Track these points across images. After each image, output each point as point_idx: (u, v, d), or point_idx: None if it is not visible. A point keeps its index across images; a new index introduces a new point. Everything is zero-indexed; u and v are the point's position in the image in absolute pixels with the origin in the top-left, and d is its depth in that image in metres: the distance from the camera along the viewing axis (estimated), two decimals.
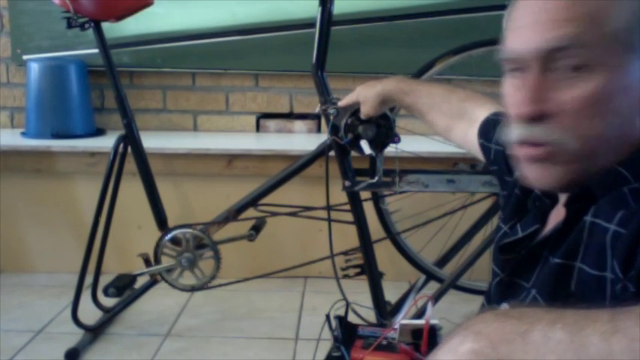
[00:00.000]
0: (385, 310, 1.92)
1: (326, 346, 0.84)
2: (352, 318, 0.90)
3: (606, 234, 0.67)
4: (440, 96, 1.27)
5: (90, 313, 2.03)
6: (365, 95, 1.51)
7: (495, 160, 1.05)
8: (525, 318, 0.55)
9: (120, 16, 1.92)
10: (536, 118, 0.72)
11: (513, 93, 0.76)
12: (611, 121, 0.71)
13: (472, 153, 1.19)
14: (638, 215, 0.65)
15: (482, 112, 1.15)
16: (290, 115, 2.69)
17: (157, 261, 1.96)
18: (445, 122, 1.25)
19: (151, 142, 2.20)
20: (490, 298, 0.88)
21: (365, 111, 1.55)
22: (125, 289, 1.96)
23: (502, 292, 0.84)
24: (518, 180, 0.90)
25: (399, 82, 1.40)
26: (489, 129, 1.08)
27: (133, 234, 2.41)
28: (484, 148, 1.10)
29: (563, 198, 0.79)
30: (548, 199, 0.83)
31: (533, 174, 0.76)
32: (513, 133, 0.76)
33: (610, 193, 0.71)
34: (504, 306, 0.78)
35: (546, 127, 0.72)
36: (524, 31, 0.73)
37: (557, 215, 0.81)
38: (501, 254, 0.86)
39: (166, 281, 1.98)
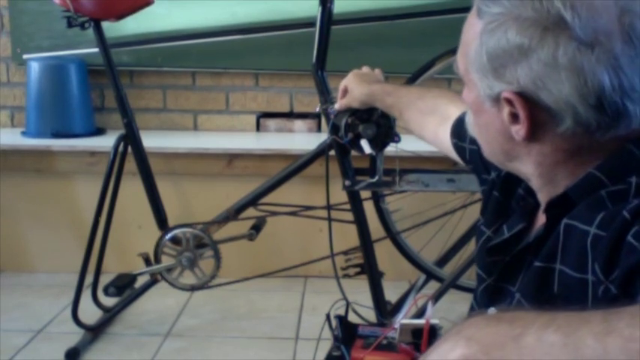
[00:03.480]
0: (385, 310, 1.92)
1: (326, 346, 0.84)
2: (352, 318, 0.90)
3: (587, 237, 0.67)
4: (416, 94, 1.27)
5: (90, 313, 2.03)
6: (353, 88, 1.49)
7: (471, 159, 1.04)
8: (517, 322, 0.54)
9: (120, 16, 1.92)
10: None
11: None
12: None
13: (444, 152, 1.17)
14: (617, 218, 0.64)
15: (455, 110, 1.13)
16: (290, 115, 2.69)
17: (157, 260, 1.96)
18: (418, 119, 1.24)
19: (151, 141, 2.19)
20: (477, 303, 0.88)
21: (347, 102, 1.52)
22: (125, 288, 1.96)
23: (489, 297, 0.84)
24: (496, 181, 0.90)
25: (385, 84, 1.45)
26: (462, 128, 1.06)
27: (133, 234, 2.40)
28: (458, 148, 1.09)
29: (543, 204, 0.79)
30: (532, 199, 0.83)
31: None
32: None
33: (588, 197, 0.71)
34: (492, 311, 0.77)
35: None
36: None
37: (541, 217, 0.81)
38: (489, 257, 0.86)
39: (166, 281, 1.98)
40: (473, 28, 0.75)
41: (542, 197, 0.79)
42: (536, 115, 0.71)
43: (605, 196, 0.70)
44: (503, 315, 0.57)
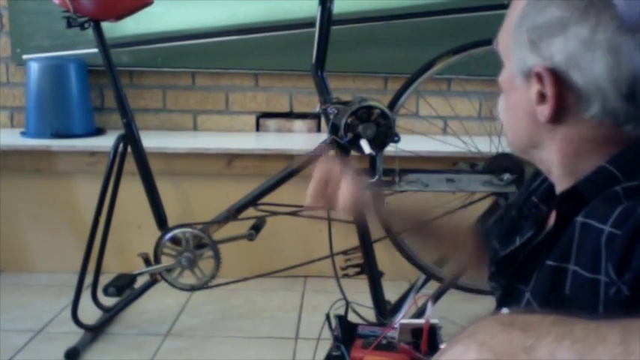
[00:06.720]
0: (385, 310, 1.92)
1: (326, 346, 0.84)
2: (352, 317, 0.90)
3: (601, 236, 0.65)
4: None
5: (90, 313, 2.03)
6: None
7: None
8: (531, 330, 0.54)
9: (119, 16, 1.92)
10: None
11: None
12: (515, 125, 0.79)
13: None
14: (632, 216, 0.63)
15: None
16: (290, 115, 2.69)
17: (157, 260, 1.96)
18: None
19: (150, 141, 2.19)
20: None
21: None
22: (125, 288, 1.96)
23: (503, 298, 0.83)
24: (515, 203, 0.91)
25: None
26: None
27: (133, 234, 2.40)
28: None
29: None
30: (545, 206, 0.82)
31: None
32: None
33: (601, 193, 0.69)
34: (505, 311, 0.77)
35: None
36: None
37: (552, 219, 0.80)
38: (497, 268, 0.85)
39: (166, 281, 1.97)
40: (519, 4, 0.75)
41: (559, 190, 0.78)
42: (563, 96, 0.71)
43: (621, 192, 0.68)
44: (517, 320, 0.56)
